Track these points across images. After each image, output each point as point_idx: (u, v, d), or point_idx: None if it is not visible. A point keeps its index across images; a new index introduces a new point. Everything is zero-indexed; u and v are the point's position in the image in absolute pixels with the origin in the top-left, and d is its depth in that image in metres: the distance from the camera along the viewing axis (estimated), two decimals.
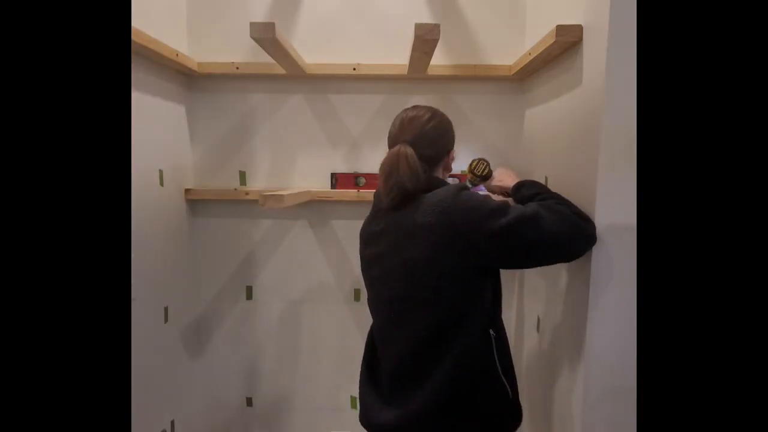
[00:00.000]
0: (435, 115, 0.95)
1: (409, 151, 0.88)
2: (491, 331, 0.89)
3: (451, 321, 0.85)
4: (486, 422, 0.88)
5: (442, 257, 0.83)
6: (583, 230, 0.84)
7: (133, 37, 1.08)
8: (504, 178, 1.12)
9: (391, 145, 0.95)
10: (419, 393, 0.86)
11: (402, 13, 1.49)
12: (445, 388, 0.84)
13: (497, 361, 0.89)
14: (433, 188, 0.89)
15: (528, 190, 0.97)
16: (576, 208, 0.88)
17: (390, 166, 0.88)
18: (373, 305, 0.99)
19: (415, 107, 0.96)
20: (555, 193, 0.94)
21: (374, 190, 1.32)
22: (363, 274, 1.01)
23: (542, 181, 1.27)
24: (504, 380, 0.90)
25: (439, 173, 0.97)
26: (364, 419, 0.96)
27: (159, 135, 1.34)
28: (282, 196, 1.18)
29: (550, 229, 0.80)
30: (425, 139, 0.91)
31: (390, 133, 0.96)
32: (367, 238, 0.97)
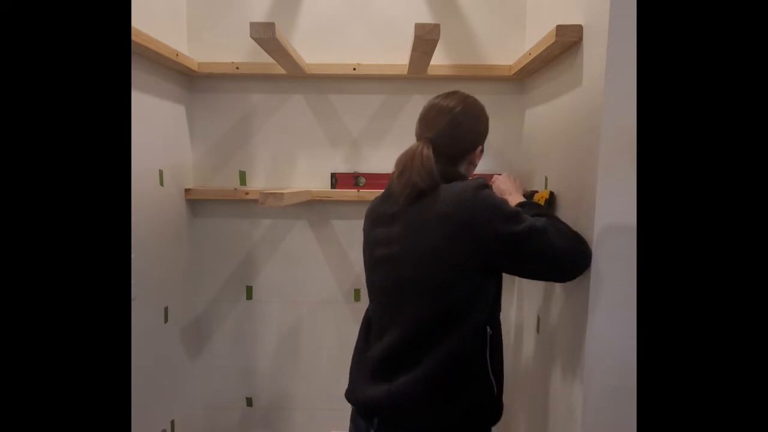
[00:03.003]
0: (465, 109, 0.93)
1: (426, 152, 0.88)
2: (488, 329, 0.89)
3: (451, 313, 0.86)
4: (467, 412, 0.88)
5: (452, 248, 0.83)
6: (582, 253, 0.87)
7: (133, 37, 1.08)
8: (505, 188, 1.08)
9: (416, 131, 0.96)
10: (406, 376, 0.86)
11: (402, 13, 1.49)
12: (432, 376, 0.85)
13: (489, 359, 0.89)
14: (453, 180, 0.89)
15: (528, 210, 0.97)
16: (574, 231, 0.91)
17: (404, 164, 0.89)
18: (372, 288, 0.98)
19: (448, 96, 0.94)
20: (554, 215, 0.97)
21: (374, 190, 1.32)
22: (365, 254, 0.99)
23: (542, 181, 1.27)
24: (492, 378, 0.90)
25: (463, 168, 0.96)
26: (351, 394, 0.97)
27: (159, 135, 1.34)
28: (282, 194, 1.18)
29: (555, 245, 0.83)
30: (449, 136, 0.91)
31: (419, 117, 0.96)
32: (376, 218, 0.96)
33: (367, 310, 1.03)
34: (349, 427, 0.99)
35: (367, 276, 1.00)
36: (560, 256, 0.84)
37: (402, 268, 0.88)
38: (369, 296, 1.01)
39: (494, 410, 0.93)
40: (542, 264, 0.85)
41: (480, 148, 0.98)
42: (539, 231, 0.83)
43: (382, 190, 1.02)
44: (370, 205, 1.02)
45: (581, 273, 0.89)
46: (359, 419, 0.94)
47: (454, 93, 0.96)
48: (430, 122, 0.92)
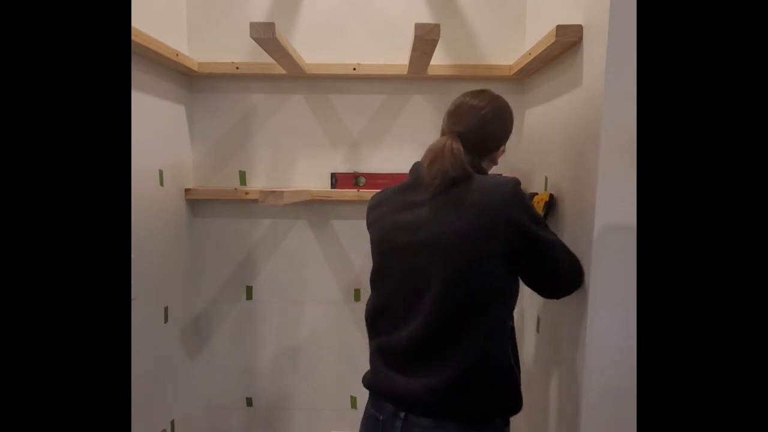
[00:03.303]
0: (494, 109, 0.95)
1: (456, 145, 0.89)
2: (509, 322, 0.91)
3: (477, 304, 0.86)
4: (494, 403, 0.90)
5: (480, 238, 0.84)
6: (576, 282, 0.94)
7: (133, 37, 1.08)
8: None
9: (442, 126, 0.97)
10: (441, 368, 0.86)
11: (402, 13, 1.49)
12: (466, 369, 0.86)
13: (510, 350, 0.91)
14: (483, 173, 0.92)
15: None
16: (577, 258, 0.95)
17: (435, 154, 0.90)
18: (386, 275, 0.95)
19: (477, 94, 0.96)
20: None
21: (374, 190, 1.32)
22: (380, 242, 0.96)
23: (542, 181, 1.27)
24: (514, 367, 0.92)
25: (485, 164, 0.98)
26: (375, 382, 0.95)
27: (159, 135, 1.34)
28: (282, 192, 1.18)
29: (561, 264, 0.90)
30: (476, 134, 0.93)
31: (447, 111, 0.97)
32: (400, 205, 0.94)
33: (371, 298, 1.00)
34: (369, 410, 0.96)
35: (379, 263, 0.97)
36: (562, 275, 0.91)
37: (427, 256, 0.87)
38: (377, 284, 0.98)
39: (517, 401, 0.93)
40: (544, 273, 0.91)
41: (503, 147, 1.00)
42: (556, 245, 0.90)
43: (379, 189, 1.02)
44: (383, 194, 1.00)
45: (564, 296, 0.97)
46: (383, 403, 0.92)
47: (484, 92, 0.97)
48: (459, 118, 0.94)
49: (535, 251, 0.86)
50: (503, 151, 1.00)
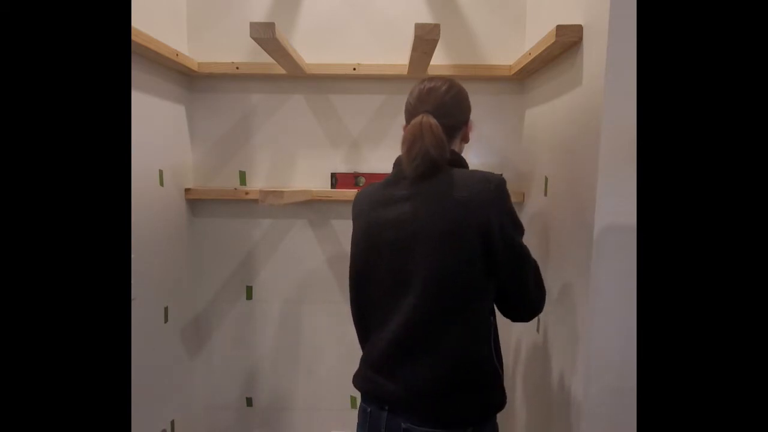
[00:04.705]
0: (453, 85, 0.95)
1: (433, 120, 0.89)
2: (492, 318, 0.91)
3: (460, 301, 0.85)
4: (477, 401, 0.89)
5: (463, 235, 0.83)
6: (536, 311, 0.94)
7: (133, 37, 1.08)
8: None
9: (409, 116, 0.97)
10: (422, 366, 0.86)
11: (402, 13, 1.49)
12: (445, 366, 0.86)
13: (492, 346, 0.90)
14: (458, 164, 0.92)
15: None
16: (544, 287, 0.95)
17: (413, 135, 0.88)
18: (368, 274, 0.93)
19: (431, 78, 0.97)
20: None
21: None
22: (363, 239, 0.94)
23: (542, 181, 1.27)
24: (496, 364, 0.91)
25: (457, 144, 0.97)
26: (361, 382, 0.96)
27: (159, 135, 1.34)
28: (282, 192, 1.18)
29: (530, 286, 0.90)
30: (444, 109, 0.92)
31: (407, 103, 0.97)
32: (382, 201, 0.93)
33: (354, 298, 0.98)
34: (361, 404, 0.97)
35: (360, 260, 0.95)
36: (526, 295, 0.91)
37: (409, 254, 0.87)
38: (360, 283, 0.95)
39: (501, 398, 0.93)
40: (512, 288, 0.89)
41: (470, 122, 1.00)
42: (532, 264, 0.90)
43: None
44: (368, 189, 0.98)
45: (520, 321, 0.96)
46: (371, 402, 0.94)
47: (434, 77, 0.98)
48: (425, 99, 0.93)
49: (512, 258, 0.86)
50: (472, 127, 1.00)
